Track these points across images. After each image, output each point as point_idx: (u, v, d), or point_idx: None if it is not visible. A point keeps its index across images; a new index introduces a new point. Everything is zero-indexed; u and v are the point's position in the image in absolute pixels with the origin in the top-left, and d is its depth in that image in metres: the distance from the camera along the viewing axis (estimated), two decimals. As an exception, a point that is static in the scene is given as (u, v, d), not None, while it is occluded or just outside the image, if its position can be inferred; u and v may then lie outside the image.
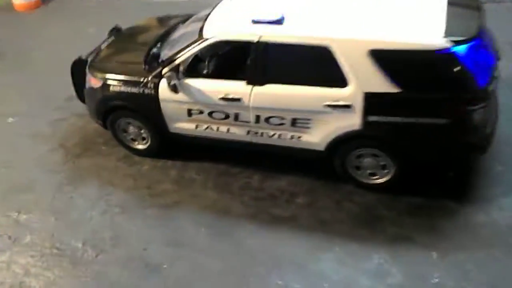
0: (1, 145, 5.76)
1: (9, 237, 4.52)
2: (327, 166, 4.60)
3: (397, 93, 3.87)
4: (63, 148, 5.57)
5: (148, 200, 4.78)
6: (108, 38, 5.61)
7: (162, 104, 4.67)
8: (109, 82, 4.84)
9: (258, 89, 4.24)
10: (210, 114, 4.56)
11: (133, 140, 5.22)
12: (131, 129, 5.12)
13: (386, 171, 4.32)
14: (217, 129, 4.66)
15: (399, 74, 3.85)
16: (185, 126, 4.78)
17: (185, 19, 5.45)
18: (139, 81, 4.67)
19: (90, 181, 5.07)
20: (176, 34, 5.07)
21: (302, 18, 4.19)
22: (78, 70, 5.34)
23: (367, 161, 4.28)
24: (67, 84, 6.40)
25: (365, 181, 4.40)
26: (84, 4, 9.47)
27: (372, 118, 4.01)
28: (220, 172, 4.99)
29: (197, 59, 4.48)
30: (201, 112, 4.58)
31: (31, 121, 6.07)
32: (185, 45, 4.49)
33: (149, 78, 4.63)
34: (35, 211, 4.77)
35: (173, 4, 8.31)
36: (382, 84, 3.89)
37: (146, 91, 4.67)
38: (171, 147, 5.17)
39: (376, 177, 4.36)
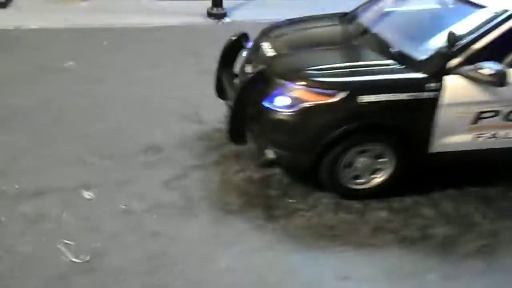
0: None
1: None
2: None
3: None
4: (234, 216, 3.48)
5: (458, 261, 3.22)
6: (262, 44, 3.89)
7: (440, 111, 3.31)
8: (362, 94, 3.23)
9: None
10: (508, 114, 3.41)
11: (355, 178, 3.59)
12: (362, 160, 3.51)
13: None
14: (505, 135, 3.52)
15: None
16: (459, 139, 3.48)
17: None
18: (414, 84, 3.24)
19: (346, 255, 3.20)
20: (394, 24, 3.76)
21: None
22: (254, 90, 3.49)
23: None
24: (110, 131, 4.51)
25: None
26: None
27: None
28: (482, 197, 3.76)
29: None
30: (496, 113, 3.39)
31: (129, 191, 3.69)
32: (478, 23, 3.29)
33: (428, 77, 3.25)
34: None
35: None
36: None
37: (423, 95, 3.25)
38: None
39: None
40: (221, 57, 4.14)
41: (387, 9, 4.01)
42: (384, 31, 3.74)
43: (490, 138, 3.51)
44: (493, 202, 3.72)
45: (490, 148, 3.58)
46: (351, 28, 3.97)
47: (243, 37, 4.10)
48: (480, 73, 3.14)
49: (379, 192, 3.66)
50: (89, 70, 5.80)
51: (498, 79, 3.11)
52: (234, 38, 4.12)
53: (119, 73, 5.77)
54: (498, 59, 3.23)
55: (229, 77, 4.08)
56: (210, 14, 7.64)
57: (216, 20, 7.62)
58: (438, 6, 3.73)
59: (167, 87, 5.39)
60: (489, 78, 3.13)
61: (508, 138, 3.53)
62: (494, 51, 3.25)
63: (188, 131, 4.49)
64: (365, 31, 3.83)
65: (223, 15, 7.67)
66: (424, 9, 3.80)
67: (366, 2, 4.38)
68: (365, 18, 4.02)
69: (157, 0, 8.25)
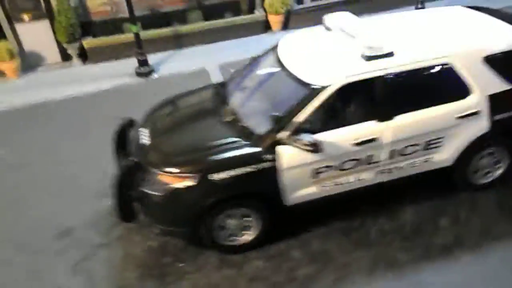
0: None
1: None
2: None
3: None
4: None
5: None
6: (141, 131, 4.55)
7: (282, 174, 3.96)
8: (213, 172, 3.86)
9: (391, 123, 4.04)
10: (340, 166, 4.08)
11: (231, 235, 4.24)
12: (231, 222, 4.15)
13: (498, 166, 4.63)
14: (345, 181, 4.19)
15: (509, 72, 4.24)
16: (308, 191, 4.13)
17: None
18: (253, 157, 3.89)
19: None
20: (245, 99, 4.42)
21: (399, 45, 4.10)
22: (130, 178, 4.11)
23: (484, 162, 4.54)
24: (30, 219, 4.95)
25: (482, 181, 4.68)
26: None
27: (498, 117, 4.27)
28: (344, 230, 4.44)
29: (317, 111, 3.96)
30: (329, 167, 4.06)
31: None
32: (294, 101, 3.95)
33: (263, 150, 3.91)
34: None
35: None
36: (498, 84, 4.21)
37: (263, 165, 3.90)
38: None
39: (489, 175, 4.66)
40: (114, 142, 4.68)
41: (243, 80, 4.66)
42: (237, 104, 4.38)
43: (333, 186, 4.18)
44: (352, 234, 4.40)
45: (338, 193, 4.25)
46: (216, 101, 4.60)
47: (130, 123, 4.72)
48: (299, 143, 3.80)
49: (256, 244, 4.30)
50: (17, 155, 6.18)
51: (314, 148, 3.79)
52: (122, 124, 4.72)
53: (47, 154, 6.16)
54: (320, 128, 3.92)
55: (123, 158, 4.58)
56: (138, 74, 8.20)
57: (145, 78, 8.16)
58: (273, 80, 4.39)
59: (91, 162, 5.78)
60: (307, 147, 3.80)
61: (349, 182, 4.22)
62: (313, 122, 3.91)
63: (101, 207, 4.97)
64: (224, 105, 4.45)
65: (151, 72, 8.25)
66: (264, 82, 4.48)
67: (237, 70, 5.03)
68: (229, 90, 4.65)
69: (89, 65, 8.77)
